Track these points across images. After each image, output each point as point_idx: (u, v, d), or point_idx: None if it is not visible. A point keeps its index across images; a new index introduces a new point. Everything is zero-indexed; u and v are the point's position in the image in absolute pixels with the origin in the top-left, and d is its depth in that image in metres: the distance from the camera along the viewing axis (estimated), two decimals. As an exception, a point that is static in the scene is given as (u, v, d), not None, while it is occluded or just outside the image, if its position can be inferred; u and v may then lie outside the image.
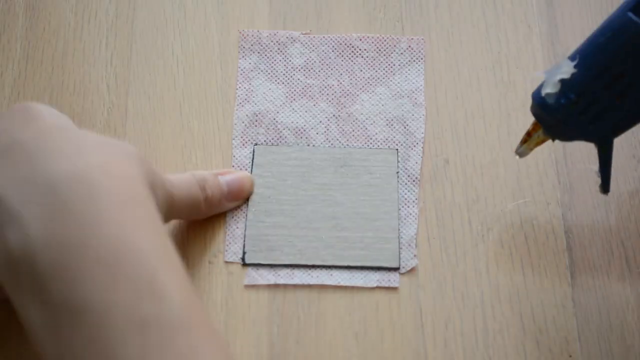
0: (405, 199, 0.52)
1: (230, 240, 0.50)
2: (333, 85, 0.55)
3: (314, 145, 0.53)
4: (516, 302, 0.49)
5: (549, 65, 0.55)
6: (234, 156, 0.53)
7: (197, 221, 0.51)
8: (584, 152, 0.53)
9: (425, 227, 0.51)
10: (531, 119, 0.48)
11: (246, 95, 0.55)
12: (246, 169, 0.52)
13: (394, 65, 0.55)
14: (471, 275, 0.50)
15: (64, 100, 0.54)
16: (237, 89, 0.55)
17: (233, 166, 0.52)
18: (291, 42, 0.56)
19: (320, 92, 0.55)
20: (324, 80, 0.55)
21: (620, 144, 0.52)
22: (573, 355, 0.48)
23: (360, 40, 0.56)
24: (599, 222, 0.51)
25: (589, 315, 0.49)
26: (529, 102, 0.46)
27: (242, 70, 0.55)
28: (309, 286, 0.49)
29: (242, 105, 0.54)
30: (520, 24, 0.57)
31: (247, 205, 0.51)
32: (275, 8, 0.57)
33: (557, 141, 0.48)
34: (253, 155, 0.53)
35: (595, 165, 0.48)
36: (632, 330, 0.48)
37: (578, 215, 0.51)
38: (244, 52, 0.56)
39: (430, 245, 0.51)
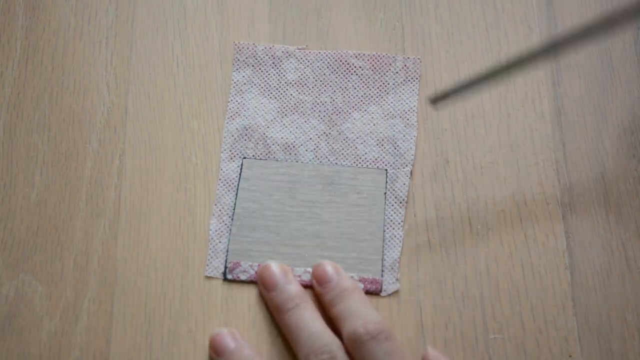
0: (391, 220, 0.51)
1: (212, 254, 0.50)
2: (325, 102, 0.54)
3: (302, 162, 0.53)
4: (516, 302, 0.49)
5: (549, 65, 0.55)
6: (222, 169, 0.52)
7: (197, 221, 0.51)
8: (584, 152, 0.53)
9: (425, 227, 0.51)
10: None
11: (237, 108, 0.54)
12: (233, 183, 0.52)
13: (388, 84, 0.54)
14: (471, 275, 0.50)
15: (64, 100, 0.54)
16: (229, 101, 0.54)
17: (220, 180, 0.52)
18: (286, 57, 0.55)
19: (312, 108, 0.54)
20: (316, 97, 0.54)
21: (620, 143, 0.52)
22: (573, 355, 0.48)
23: (356, 57, 0.55)
24: (599, 222, 0.51)
25: (589, 315, 0.49)
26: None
27: (235, 83, 0.55)
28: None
29: (233, 119, 0.53)
30: (520, 24, 0.57)
31: (232, 219, 0.51)
32: (275, 8, 0.57)
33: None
34: (241, 168, 0.52)
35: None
36: (632, 330, 0.48)
37: (578, 215, 0.51)
38: (238, 64, 0.55)
39: (430, 245, 0.51)
